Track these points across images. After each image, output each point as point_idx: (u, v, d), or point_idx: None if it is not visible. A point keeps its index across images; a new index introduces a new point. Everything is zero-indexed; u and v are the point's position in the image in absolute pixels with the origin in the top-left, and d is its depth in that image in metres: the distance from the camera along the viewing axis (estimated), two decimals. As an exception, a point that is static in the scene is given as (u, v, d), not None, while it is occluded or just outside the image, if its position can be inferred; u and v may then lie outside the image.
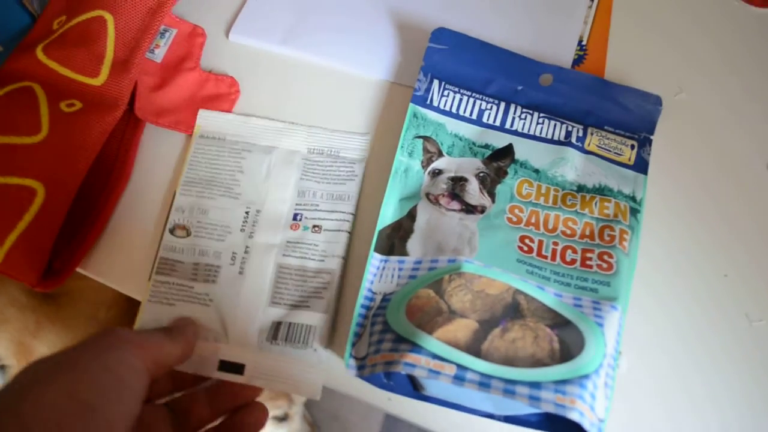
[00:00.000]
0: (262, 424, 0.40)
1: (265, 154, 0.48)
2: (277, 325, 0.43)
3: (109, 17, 0.48)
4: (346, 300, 0.45)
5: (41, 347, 0.83)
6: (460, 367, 0.37)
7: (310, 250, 0.45)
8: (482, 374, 0.37)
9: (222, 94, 0.51)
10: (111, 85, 0.47)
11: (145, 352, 0.34)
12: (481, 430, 0.42)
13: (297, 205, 0.47)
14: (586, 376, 0.37)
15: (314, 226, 0.46)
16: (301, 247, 0.45)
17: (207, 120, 0.50)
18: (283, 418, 1.02)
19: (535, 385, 0.36)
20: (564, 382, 0.37)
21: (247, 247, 0.45)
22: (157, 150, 0.50)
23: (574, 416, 0.35)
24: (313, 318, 0.43)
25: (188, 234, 0.45)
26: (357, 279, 0.45)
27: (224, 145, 0.49)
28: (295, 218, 0.46)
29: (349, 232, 0.46)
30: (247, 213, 0.46)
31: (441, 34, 0.50)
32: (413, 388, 0.42)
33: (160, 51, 0.51)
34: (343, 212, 0.46)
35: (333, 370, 0.43)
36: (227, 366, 0.42)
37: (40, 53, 0.47)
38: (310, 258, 0.45)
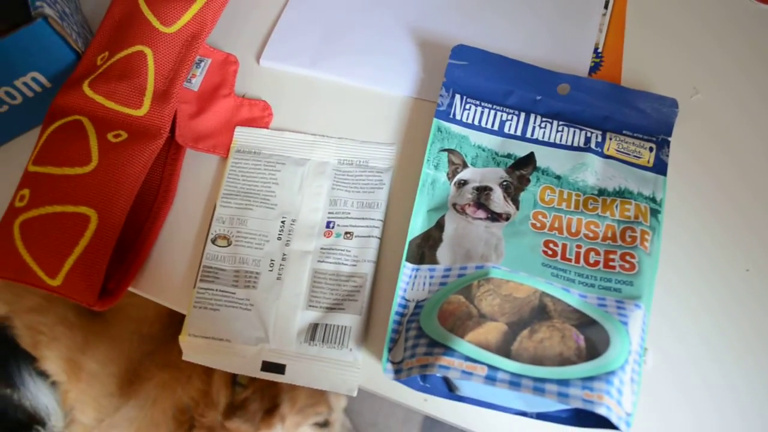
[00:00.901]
0: None
1: (298, 166, 0.51)
2: (314, 327, 0.46)
3: (148, 51, 0.51)
4: (378, 303, 0.47)
5: (90, 363, 0.86)
6: (491, 367, 0.39)
7: (343, 256, 0.48)
8: (512, 374, 0.39)
9: (256, 118, 0.54)
10: (153, 115, 0.50)
11: None
12: (515, 427, 0.44)
13: (329, 213, 0.50)
14: (612, 373, 0.39)
15: (346, 233, 0.49)
16: (335, 253, 0.48)
17: (243, 135, 0.53)
18: (324, 425, 1.04)
19: (564, 382, 0.38)
20: (591, 378, 0.38)
21: (284, 254, 0.48)
22: (196, 172, 0.53)
23: (601, 411, 0.37)
24: (348, 319, 0.46)
25: (229, 243, 0.49)
26: (388, 283, 0.48)
27: (260, 158, 0.52)
28: (328, 226, 0.49)
29: (379, 238, 0.49)
30: (283, 222, 0.49)
31: (460, 51, 0.52)
32: (448, 390, 0.44)
33: (196, 80, 0.54)
34: (373, 219, 0.49)
35: (371, 373, 0.45)
36: (270, 366, 0.45)
37: (86, 88, 0.50)
38: (343, 263, 0.48)
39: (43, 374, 0.86)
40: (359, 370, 0.45)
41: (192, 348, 0.46)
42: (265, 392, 1.00)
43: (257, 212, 0.50)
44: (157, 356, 0.91)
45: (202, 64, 0.55)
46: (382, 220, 0.49)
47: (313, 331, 0.45)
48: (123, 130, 0.50)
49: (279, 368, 0.45)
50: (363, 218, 0.49)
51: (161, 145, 0.50)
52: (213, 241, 0.49)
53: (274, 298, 0.47)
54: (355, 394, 0.44)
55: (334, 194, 0.50)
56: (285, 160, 0.52)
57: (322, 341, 0.45)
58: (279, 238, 0.49)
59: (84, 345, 0.87)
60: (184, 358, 0.46)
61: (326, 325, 0.46)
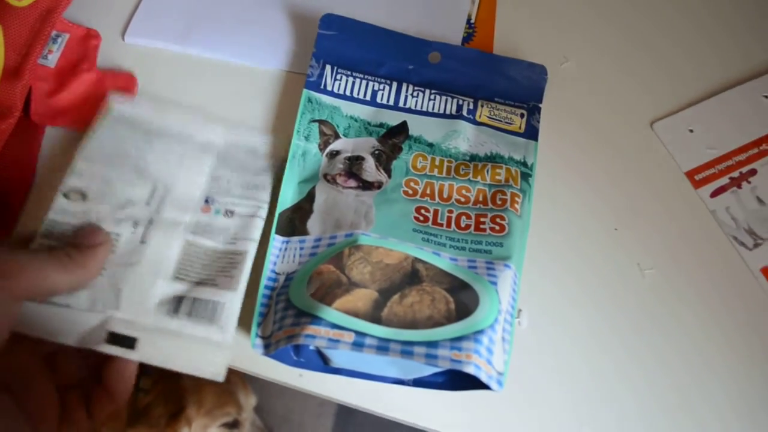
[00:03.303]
0: (131, 376, 0.38)
1: (180, 141, 0.47)
2: (179, 300, 0.41)
3: (-3, 26, 0.48)
4: (250, 279, 0.44)
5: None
6: (358, 333, 0.38)
7: (222, 234, 0.44)
8: (380, 339, 0.38)
9: (121, 90, 0.51)
10: (3, 93, 0.47)
11: (16, 283, 0.33)
12: (392, 396, 0.44)
13: (210, 189, 0.46)
14: (481, 332, 0.38)
15: (227, 211, 0.45)
16: (213, 230, 0.44)
17: (122, 103, 0.48)
18: (233, 425, 1.01)
19: (432, 344, 0.38)
20: (459, 339, 0.38)
21: (151, 219, 0.43)
22: (60, 152, 0.49)
23: (470, 370, 0.37)
24: (221, 295, 0.41)
25: (85, 199, 0.43)
26: (261, 259, 0.45)
27: (136, 128, 0.47)
28: (206, 202, 0.45)
29: (263, 219, 0.45)
30: (154, 190, 0.45)
31: (329, 20, 0.51)
32: (324, 363, 0.43)
33: (53, 56, 0.51)
34: (257, 200, 0.46)
35: (242, 351, 0.43)
36: (117, 339, 0.38)
37: (-73, 66, 0.47)
38: (221, 240, 0.44)
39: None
40: (228, 352, 0.40)
41: (23, 315, 0.37)
42: (169, 396, 0.97)
43: (126, 175, 0.45)
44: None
45: (60, 39, 0.52)
46: (267, 202, 0.46)
47: (177, 304, 0.41)
48: (-32, 109, 0.46)
49: (129, 342, 0.38)
50: (247, 198, 0.46)
51: (13, 124, 0.47)
52: (65, 195, 0.43)
53: (134, 263, 0.41)
54: (221, 379, 0.39)
55: (217, 173, 0.47)
56: (166, 132, 0.48)
57: (189, 315, 0.40)
58: (148, 204, 0.44)
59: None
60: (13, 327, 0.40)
61: (195, 298, 0.41)
